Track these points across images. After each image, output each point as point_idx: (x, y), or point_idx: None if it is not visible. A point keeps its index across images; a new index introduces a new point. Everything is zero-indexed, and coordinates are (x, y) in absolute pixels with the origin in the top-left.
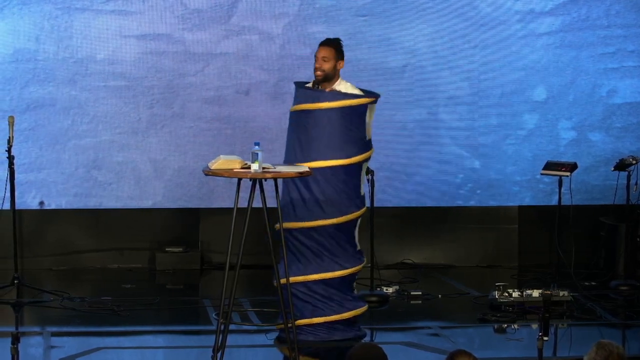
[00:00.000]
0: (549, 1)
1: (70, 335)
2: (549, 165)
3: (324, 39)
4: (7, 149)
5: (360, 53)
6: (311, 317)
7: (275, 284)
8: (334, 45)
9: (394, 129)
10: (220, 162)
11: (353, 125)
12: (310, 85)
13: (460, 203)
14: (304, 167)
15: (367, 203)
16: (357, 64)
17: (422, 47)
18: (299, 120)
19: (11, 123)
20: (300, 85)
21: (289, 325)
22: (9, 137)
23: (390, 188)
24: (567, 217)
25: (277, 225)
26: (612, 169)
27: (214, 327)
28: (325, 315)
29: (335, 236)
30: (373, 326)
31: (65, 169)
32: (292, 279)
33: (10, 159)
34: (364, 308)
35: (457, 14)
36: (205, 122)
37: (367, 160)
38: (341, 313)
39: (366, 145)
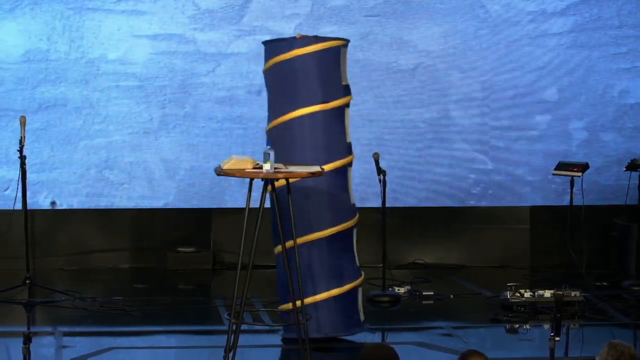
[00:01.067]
0: (560, 2)
1: (82, 335)
2: (561, 166)
3: None
4: (19, 148)
5: (372, 53)
6: (313, 295)
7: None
8: None
9: (406, 130)
10: (232, 162)
11: (329, 69)
12: None
13: (472, 203)
14: (316, 167)
15: (378, 203)
16: (368, 65)
17: (434, 48)
18: (274, 76)
19: (23, 123)
20: (269, 42)
21: (301, 323)
22: (21, 137)
23: (401, 188)
24: (579, 218)
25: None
26: (624, 169)
27: (225, 327)
28: (328, 290)
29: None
30: (385, 326)
31: (77, 169)
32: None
33: (22, 159)
34: (362, 277)
35: (469, 15)
36: (217, 122)
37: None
38: (341, 286)
39: (344, 91)
